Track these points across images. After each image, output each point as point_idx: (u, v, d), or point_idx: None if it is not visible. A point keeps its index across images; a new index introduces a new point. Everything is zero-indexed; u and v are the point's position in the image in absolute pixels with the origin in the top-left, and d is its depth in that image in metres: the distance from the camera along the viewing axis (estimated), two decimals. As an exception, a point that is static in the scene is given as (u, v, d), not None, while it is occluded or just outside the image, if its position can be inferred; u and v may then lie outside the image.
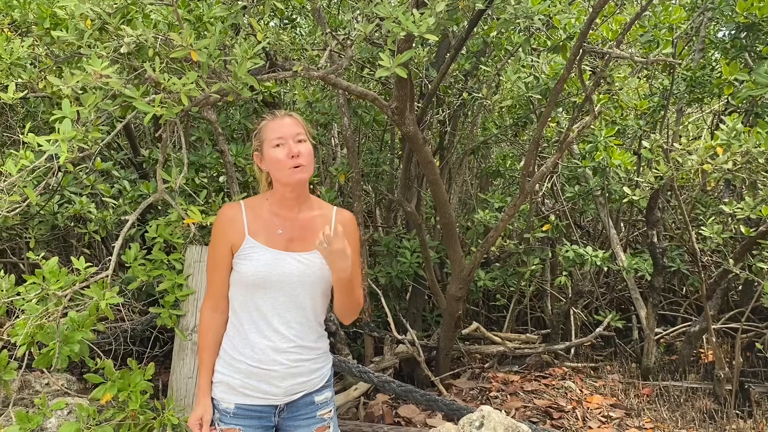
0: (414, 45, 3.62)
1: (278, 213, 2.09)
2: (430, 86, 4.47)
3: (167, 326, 3.28)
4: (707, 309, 4.67)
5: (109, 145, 5.34)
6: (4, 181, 2.40)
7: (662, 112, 5.04)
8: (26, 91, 2.73)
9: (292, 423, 2.09)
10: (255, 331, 2.02)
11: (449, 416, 3.96)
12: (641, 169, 5.37)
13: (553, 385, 4.80)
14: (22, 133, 2.42)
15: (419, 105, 4.54)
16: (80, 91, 2.56)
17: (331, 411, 2.16)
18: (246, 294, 2.04)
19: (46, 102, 4.55)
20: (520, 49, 4.65)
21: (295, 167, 2.00)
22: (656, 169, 3.97)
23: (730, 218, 5.44)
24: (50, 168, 2.76)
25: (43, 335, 2.67)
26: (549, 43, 4.58)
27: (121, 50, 2.58)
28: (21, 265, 4.73)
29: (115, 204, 4.25)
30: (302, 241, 2.06)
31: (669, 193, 5.68)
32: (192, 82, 2.37)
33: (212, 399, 2.10)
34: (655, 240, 5.11)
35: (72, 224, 4.48)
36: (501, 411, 4.28)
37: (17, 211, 2.63)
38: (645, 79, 5.79)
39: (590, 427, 4.12)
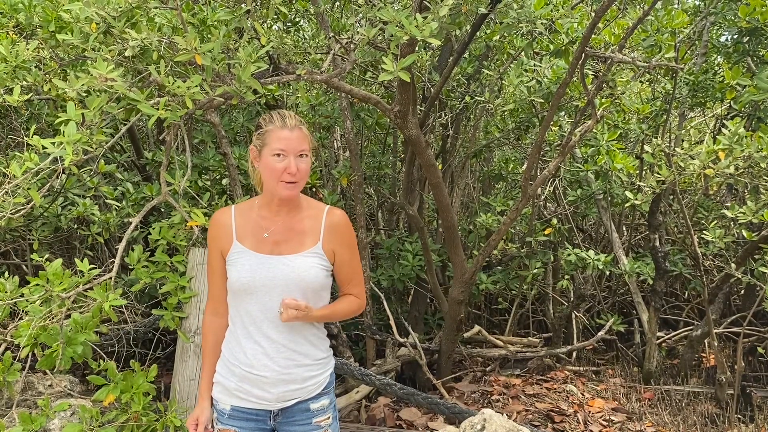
0: (417, 49, 3.64)
1: (265, 216, 2.06)
2: (432, 90, 4.48)
3: (170, 328, 3.30)
4: (709, 313, 4.67)
5: (112, 147, 5.36)
6: (9, 183, 2.41)
7: (664, 117, 5.05)
8: (31, 93, 2.74)
9: (288, 428, 2.07)
10: (246, 336, 2.02)
11: (451, 419, 3.97)
12: (643, 173, 5.38)
13: (555, 388, 4.80)
14: (26, 136, 2.43)
15: (422, 108, 4.55)
16: (85, 94, 2.57)
17: (329, 418, 2.12)
18: (236, 299, 2.04)
19: (50, 105, 4.57)
20: (523, 53, 4.66)
21: (288, 182, 1.97)
22: (658, 173, 3.97)
23: (732, 222, 5.45)
24: (54, 170, 2.78)
25: (46, 337, 2.69)
26: (551, 47, 4.59)
27: (126, 53, 2.59)
28: (24, 267, 4.75)
29: (118, 206, 4.27)
30: (289, 243, 2.03)
31: (671, 197, 5.69)
32: (196, 86, 2.38)
33: (212, 398, 2.13)
34: (657, 244, 5.11)
35: (75, 226, 4.50)
36: (502, 414, 4.29)
37: (21, 213, 2.64)
38: (647, 83, 5.80)
39: (591, 431, 4.12)
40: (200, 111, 2.89)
